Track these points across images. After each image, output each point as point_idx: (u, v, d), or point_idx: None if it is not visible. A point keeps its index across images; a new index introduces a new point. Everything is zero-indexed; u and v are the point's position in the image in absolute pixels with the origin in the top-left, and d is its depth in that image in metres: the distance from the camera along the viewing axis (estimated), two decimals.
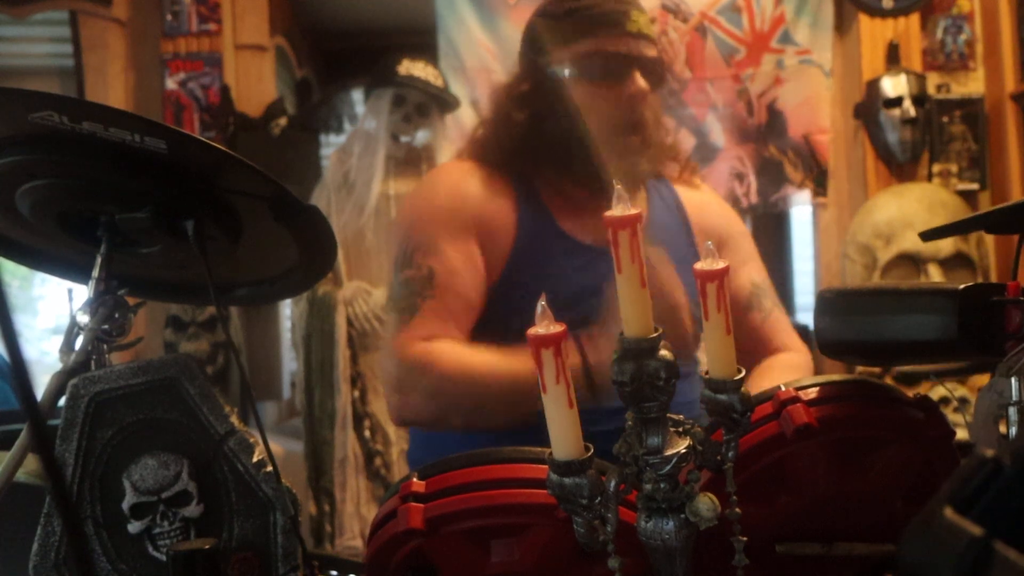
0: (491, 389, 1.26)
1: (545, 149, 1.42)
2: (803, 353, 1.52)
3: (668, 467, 0.67)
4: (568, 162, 1.40)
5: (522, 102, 1.44)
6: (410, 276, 1.36)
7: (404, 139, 2.99)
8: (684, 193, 1.56)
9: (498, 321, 1.34)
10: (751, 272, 1.54)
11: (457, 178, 1.45)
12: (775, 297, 1.57)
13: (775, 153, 3.29)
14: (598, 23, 1.40)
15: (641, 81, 1.39)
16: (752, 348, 1.50)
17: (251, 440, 0.89)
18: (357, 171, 2.92)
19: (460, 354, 1.30)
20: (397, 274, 1.39)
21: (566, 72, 1.41)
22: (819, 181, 3.31)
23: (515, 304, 1.27)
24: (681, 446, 0.68)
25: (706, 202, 1.59)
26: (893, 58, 3.23)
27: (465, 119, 3.09)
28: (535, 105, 1.43)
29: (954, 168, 3.25)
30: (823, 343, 0.92)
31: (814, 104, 3.28)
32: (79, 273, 1.00)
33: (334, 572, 1.13)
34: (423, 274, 1.35)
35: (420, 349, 1.30)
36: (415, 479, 0.83)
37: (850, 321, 0.89)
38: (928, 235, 1.02)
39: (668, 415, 0.69)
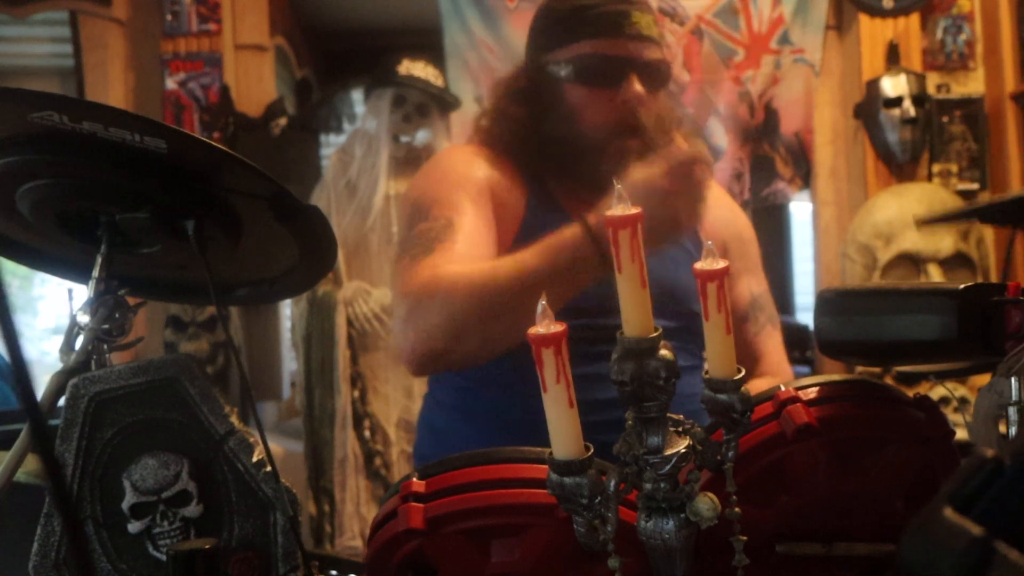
0: (500, 288, 1.18)
1: (543, 147, 1.41)
2: (784, 379, 1.47)
3: (668, 467, 0.67)
4: (568, 162, 1.40)
5: (518, 99, 1.43)
6: (426, 227, 1.31)
7: (404, 139, 2.99)
8: None
9: None
10: (751, 282, 1.51)
11: (470, 153, 1.44)
12: (772, 311, 1.54)
13: (768, 150, 3.32)
14: (596, 25, 1.36)
15: (637, 86, 1.35)
16: (740, 361, 1.48)
17: (251, 440, 0.89)
18: (360, 172, 2.92)
19: (464, 268, 1.23)
20: (410, 231, 1.33)
21: (562, 73, 1.39)
22: (805, 178, 3.33)
23: None
24: (681, 446, 0.68)
25: (715, 205, 1.57)
26: (893, 58, 3.23)
27: (472, 118, 3.10)
28: (531, 104, 1.41)
29: (954, 168, 3.25)
30: (823, 343, 0.92)
31: (805, 103, 3.30)
32: (79, 273, 1.00)
33: (334, 572, 1.13)
34: (440, 224, 1.30)
35: (427, 274, 1.24)
36: (415, 479, 0.83)
37: (850, 321, 0.89)
38: (924, 222, 1.02)
39: (668, 415, 0.69)
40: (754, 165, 3.33)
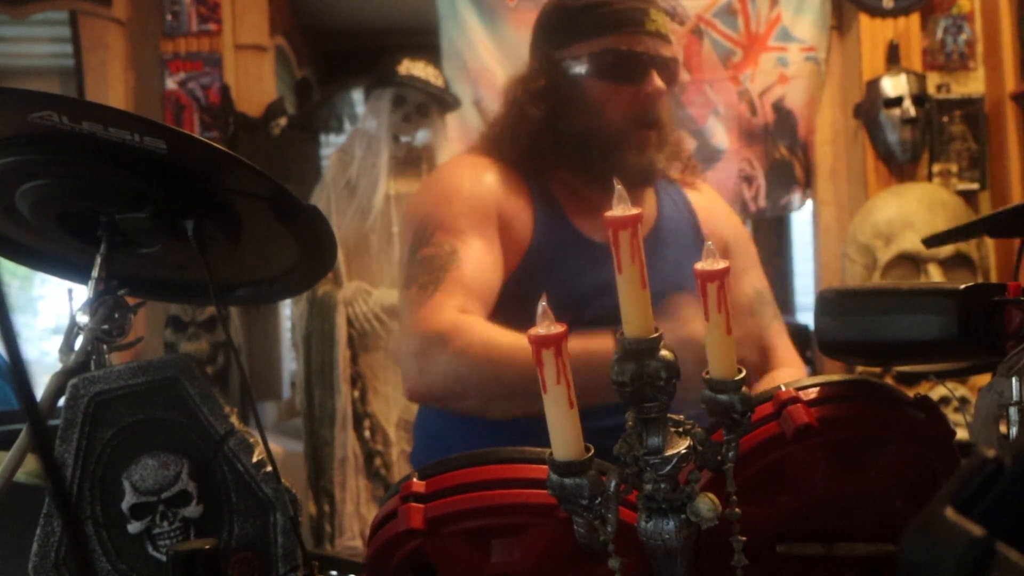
0: (513, 369, 1.18)
1: (560, 146, 1.41)
2: (798, 369, 1.50)
3: (668, 467, 0.67)
4: (582, 160, 1.40)
5: (538, 98, 1.43)
6: (431, 254, 1.32)
7: (404, 139, 2.99)
8: (692, 196, 1.56)
9: (508, 318, 1.33)
10: (753, 279, 1.54)
11: (478, 169, 1.43)
12: (775, 307, 1.57)
13: (785, 153, 3.28)
14: (617, 21, 1.38)
15: (658, 81, 1.39)
16: (750, 357, 1.49)
17: (251, 440, 0.89)
18: (360, 172, 2.92)
19: (489, 329, 1.24)
20: (414, 254, 1.34)
21: (582, 69, 1.40)
22: (807, 181, 3.32)
23: (528, 301, 1.25)
24: (681, 446, 0.68)
25: (713, 205, 1.59)
26: (893, 58, 3.22)
27: (468, 119, 3.10)
28: (551, 102, 1.42)
29: (954, 168, 3.25)
30: (823, 343, 0.92)
31: (811, 102, 3.29)
32: (79, 273, 1.00)
33: (334, 572, 1.13)
34: (445, 251, 1.31)
35: (450, 317, 1.24)
36: (415, 479, 0.83)
37: (850, 321, 0.89)
38: (931, 242, 1.02)
39: (668, 415, 0.69)
40: (770, 171, 3.28)
